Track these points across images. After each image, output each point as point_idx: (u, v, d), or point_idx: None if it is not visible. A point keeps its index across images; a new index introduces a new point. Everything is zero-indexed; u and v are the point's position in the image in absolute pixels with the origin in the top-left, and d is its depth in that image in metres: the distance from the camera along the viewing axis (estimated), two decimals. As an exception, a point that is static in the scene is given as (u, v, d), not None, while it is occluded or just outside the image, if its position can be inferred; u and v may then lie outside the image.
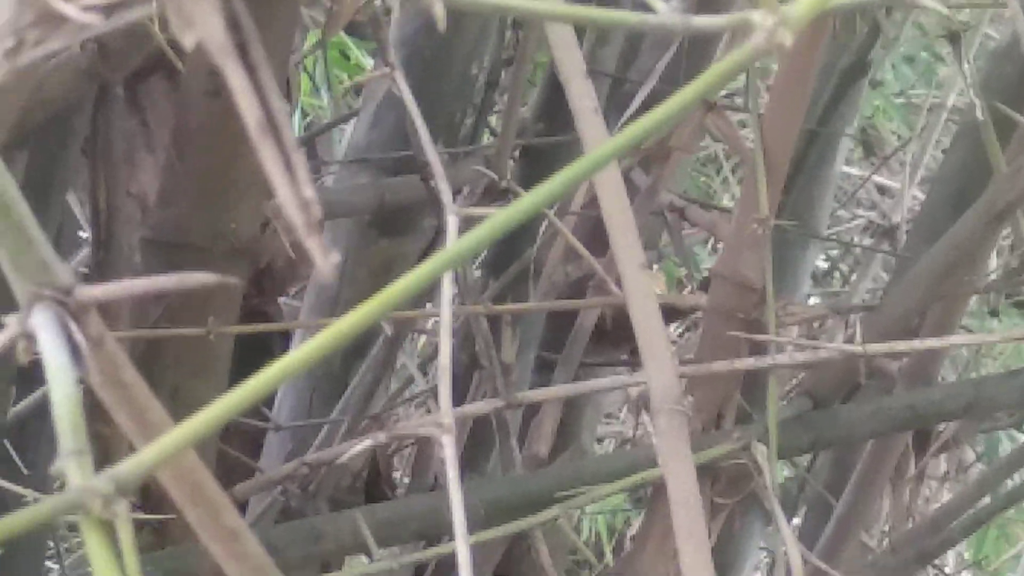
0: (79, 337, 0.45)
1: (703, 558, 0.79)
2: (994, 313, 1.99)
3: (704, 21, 0.48)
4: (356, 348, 1.60)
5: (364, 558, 1.52)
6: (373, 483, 1.56)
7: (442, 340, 0.68)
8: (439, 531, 1.17)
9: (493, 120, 1.90)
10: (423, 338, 2.20)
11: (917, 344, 1.10)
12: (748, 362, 1.11)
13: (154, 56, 1.45)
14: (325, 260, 0.39)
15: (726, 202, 3.01)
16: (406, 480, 1.94)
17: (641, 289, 0.82)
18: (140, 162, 1.53)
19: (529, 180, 1.51)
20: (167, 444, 0.43)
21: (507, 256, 1.59)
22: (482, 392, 1.39)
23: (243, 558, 0.51)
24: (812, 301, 2.52)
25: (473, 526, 1.17)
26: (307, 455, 1.25)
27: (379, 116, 1.66)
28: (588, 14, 0.47)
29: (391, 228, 1.64)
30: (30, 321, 0.46)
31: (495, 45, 1.72)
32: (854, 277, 3.17)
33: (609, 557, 2.86)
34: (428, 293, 1.54)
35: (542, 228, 1.57)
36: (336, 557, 1.28)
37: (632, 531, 2.74)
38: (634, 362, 1.61)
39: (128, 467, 0.42)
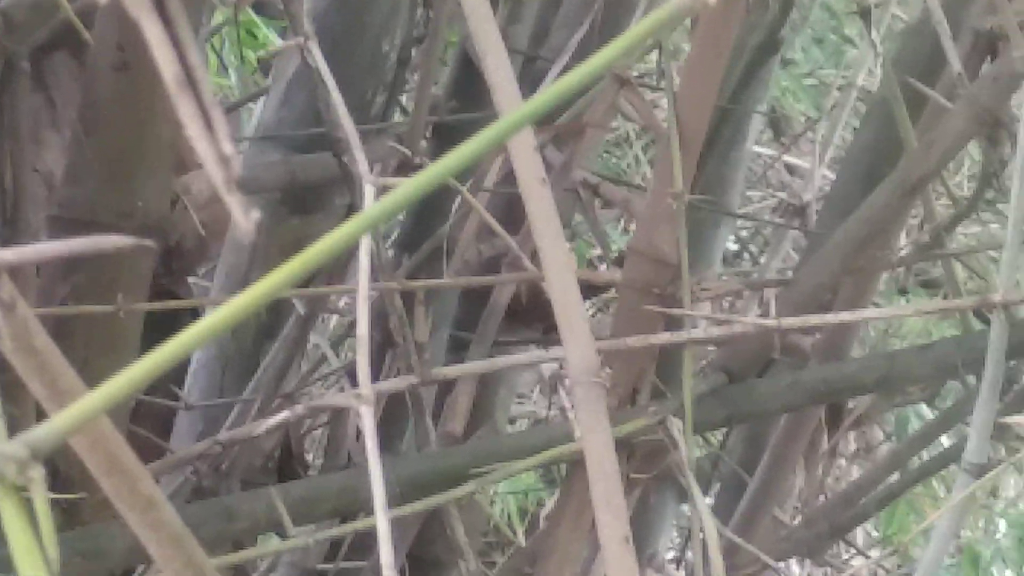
0: (-10, 301, 0.44)
1: (621, 527, 0.78)
2: (903, 292, 2.00)
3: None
4: (268, 327, 1.59)
5: (277, 537, 1.51)
6: (285, 463, 1.55)
7: (359, 310, 0.67)
8: (354, 509, 1.17)
9: (403, 98, 1.89)
10: (334, 318, 2.18)
11: (831, 318, 1.10)
12: (664, 337, 1.11)
13: (59, 31, 1.43)
14: (245, 217, 0.38)
15: (637, 182, 3.01)
16: (317, 462, 1.93)
17: (558, 261, 0.81)
18: (45, 139, 1.51)
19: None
20: (82, 409, 0.42)
21: (420, 234, 1.58)
22: (396, 370, 1.39)
23: (160, 527, 0.50)
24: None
25: (389, 503, 1.16)
26: (220, 434, 1.24)
27: (289, 94, 1.65)
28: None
29: (302, 206, 1.63)
30: (-61, 285, 0.45)
31: (406, 22, 1.70)
32: (764, 258, 3.19)
33: (521, 538, 2.86)
34: (342, 271, 1.53)
35: (455, 206, 1.57)
36: (249, 536, 1.27)
37: (545, 511, 2.74)
38: (547, 340, 1.61)
39: (43, 432, 0.42)
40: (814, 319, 1.08)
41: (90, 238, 0.45)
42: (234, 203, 0.38)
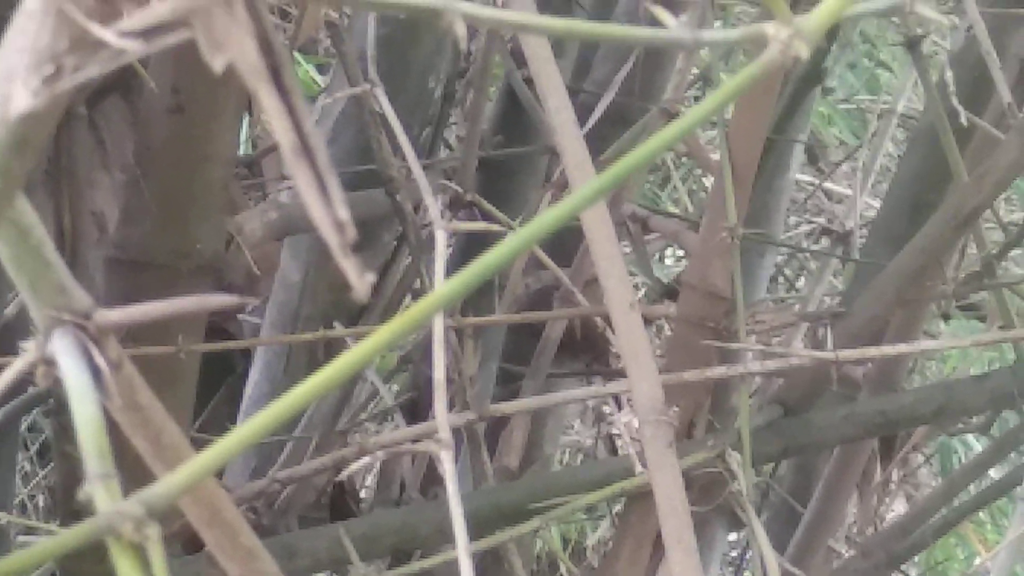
0: (100, 361, 0.45)
1: (692, 564, 0.79)
2: (945, 317, 2.00)
3: (715, 35, 0.49)
4: (321, 364, 1.59)
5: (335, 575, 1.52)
6: (338, 498, 1.56)
7: (436, 356, 0.68)
8: (414, 545, 1.17)
9: (446, 133, 1.90)
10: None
11: (889, 349, 1.10)
12: (720, 370, 1.12)
13: (111, 75, 1.45)
14: (360, 280, 0.39)
15: (671, 209, 3.01)
16: (362, 492, 1.93)
17: (624, 300, 0.82)
18: (96, 181, 1.53)
19: (489, 192, 1.51)
20: (195, 468, 0.43)
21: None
22: (450, 405, 1.39)
23: (260, 578, 0.51)
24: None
25: (449, 539, 1.17)
26: (278, 472, 1.25)
27: (337, 131, 1.66)
28: (602, 31, 0.47)
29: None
30: (50, 346, 0.46)
31: (450, 59, 1.72)
32: (800, 281, 3.18)
33: (563, 568, 2.86)
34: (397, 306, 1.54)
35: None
36: (308, 574, 1.27)
37: (589, 541, 2.74)
38: (592, 372, 1.61)
39: (158, 490, 0.42)
40: (872, 351, 1.08)
41: (195, 297, 0.46)
42: (350, 266, 0.39)
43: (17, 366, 0.45)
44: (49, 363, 0.46)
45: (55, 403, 1.47)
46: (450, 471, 0.64)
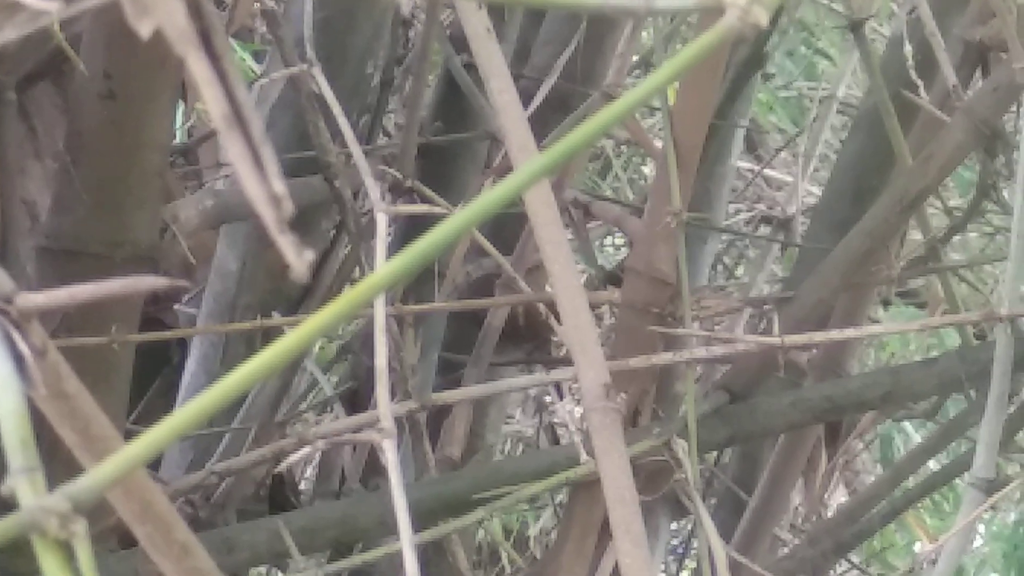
0: (23, 347, 0.43)
1: (641, 554, 0.77)
2: (886, 303, 2.00)
3: (670, 3, 0.47)
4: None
5: (275, 569, 1.49)
6: (277, 490, 1.54)
7: (377, 344, 0.66)
8: (355, 538, 1.15)
9: (384, 120, 1.87)
10: (319, 340, 2.16)
11: (836, 334, 1.09)
12: (666, 357, 1.10)
13: (41, 60, 1.42)
14: (299, 258, 0.37)
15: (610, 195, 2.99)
16: (302, 483, 1.91)
17: (570, 286, 0.80)
18: (28, 169, 1.50)
19: (429, 179, 1.49)
20: (123, 460, 0.41)
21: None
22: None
23: (195, 574, 0.48)
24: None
25: (390, 531, 1.15)
26: (216, 464, 1.22)
27: (274, 118, 1.63)
28: (549, -2, 0.45)
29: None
30: (-30, 332, 0.43)
31: (389, 44, 1.69)
32: (739, 269, 3.18)
33: (506, 558, 2.84)
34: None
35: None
36: (248, 568, 1.25)
37: (531, 531, 2.73)
38: (534, 361, 1.60)
39: (85, 484, 0.40)
40: (818, 336, 1.07)
41: (126, 279, 0.44)
42: (287, 244, 0.37)
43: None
44: (-31, 350, 0.44)
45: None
46: (393, 461, 0.62)
